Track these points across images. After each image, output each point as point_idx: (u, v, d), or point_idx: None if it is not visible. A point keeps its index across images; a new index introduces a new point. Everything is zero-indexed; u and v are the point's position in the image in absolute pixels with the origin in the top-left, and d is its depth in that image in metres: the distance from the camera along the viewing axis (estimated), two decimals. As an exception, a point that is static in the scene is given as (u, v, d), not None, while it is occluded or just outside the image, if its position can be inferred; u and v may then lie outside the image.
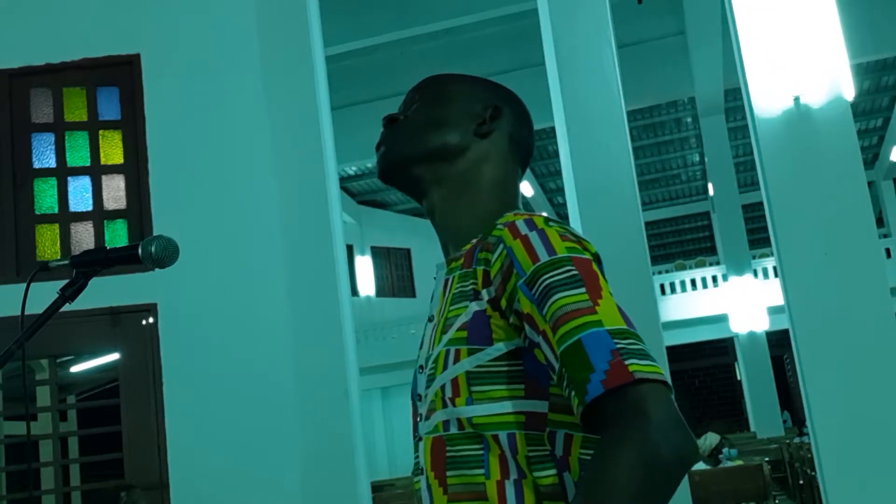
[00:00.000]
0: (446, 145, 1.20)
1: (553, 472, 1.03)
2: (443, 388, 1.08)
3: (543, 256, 1.02)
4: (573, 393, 0.95)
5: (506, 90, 1.30)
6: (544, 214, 1.12)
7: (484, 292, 1.06)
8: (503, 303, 1.04)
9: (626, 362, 0.92)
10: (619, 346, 0.94)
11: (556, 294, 0.98)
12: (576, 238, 1.07)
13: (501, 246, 1.06)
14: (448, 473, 1.06)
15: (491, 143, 1.22)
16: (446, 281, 1.16)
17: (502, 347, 1.05)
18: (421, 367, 1.16)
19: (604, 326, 0.95)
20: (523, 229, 1.05)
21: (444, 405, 1.08)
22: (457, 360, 1.07)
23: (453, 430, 1.06)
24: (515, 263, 1.03)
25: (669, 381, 0.95)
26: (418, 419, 1.15)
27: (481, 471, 1.04)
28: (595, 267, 1.03)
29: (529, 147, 1.29)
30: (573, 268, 1.01)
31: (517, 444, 1.03)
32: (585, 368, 0.93)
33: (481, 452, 1.04)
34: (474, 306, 1.07)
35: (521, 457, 1.03)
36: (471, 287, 1.08)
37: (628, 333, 0.96)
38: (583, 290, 0.99)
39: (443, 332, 1.10)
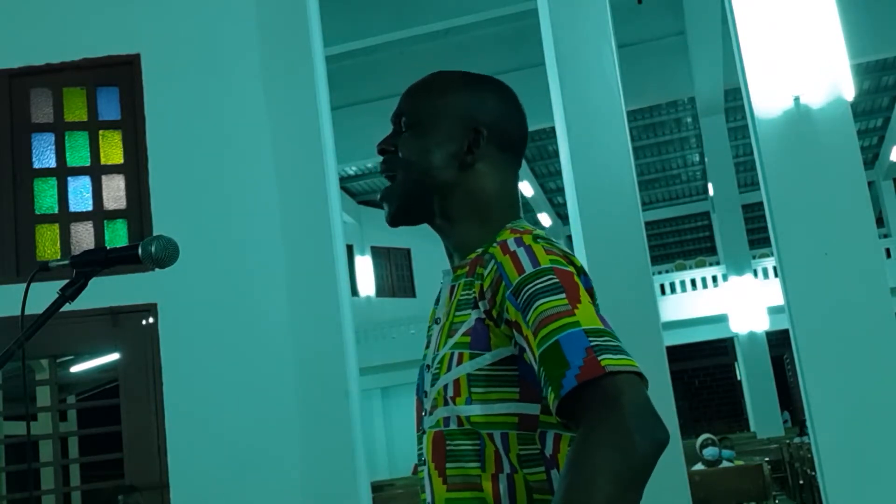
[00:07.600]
0: (440, 186, 1.24)
1: (542, 469, 1.10)
2: (445, 387, 1.15)
3: (529, 268, 1.09)
4: (550, 389, 1.00)
5: (482, 87, 1.29)
6: (535, 230, 1.19)
7: (480, 303, 1.14)
8: (494, 313, 1.12)
9: (599, 357, 0.98)
10: (593, 343, 1.00)
11: (537, 300, 1.05)
12: (562, 252, 1.14)
13: (493, 262, 1.13)
14: (447, 466, 1.14)
15: (481, 163, 1.24)
16: (452, 287, 1.22)
17: (500, 353, 1.12)
18: (427, 365, 1.23)
19: (581, 326, 1.02)
20: (512, 246, 1.13)
21: (446, 403, 1.15)
22: (459, 362, 1.14)
23: (453, 426, 1.14)
24: (504, 277, 1.10)
25: (641, 371, 1.00)
26: (423, 414, 1.22)
27: (477, 464, 1.11)
28: (577, 279, 1.09)
29: (521, 137, 1.30)
30: (554, 276, 1.07)
31: (509, 442, 1.10)
32: (562, 365, 0.99)
33: (478, 448, 1.11)
34: (475, 314, 1.14)
35: (512, 454, 1.10)
36: (473, 296, 1.16)
37: (604, 332, 1.02)
38: (563, 295, 1.05)
39: (448, 336, 1.17)
